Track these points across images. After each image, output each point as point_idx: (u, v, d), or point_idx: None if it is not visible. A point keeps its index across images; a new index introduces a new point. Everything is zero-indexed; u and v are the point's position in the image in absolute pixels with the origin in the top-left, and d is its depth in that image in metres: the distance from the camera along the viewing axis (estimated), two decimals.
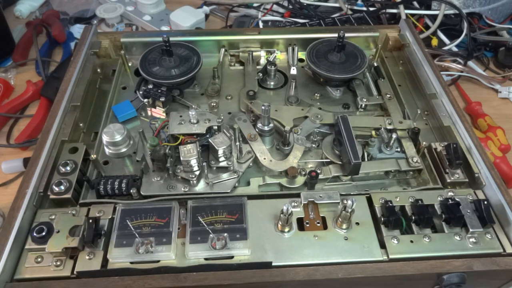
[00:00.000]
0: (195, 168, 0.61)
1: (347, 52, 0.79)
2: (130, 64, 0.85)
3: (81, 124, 0.71)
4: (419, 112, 0.72)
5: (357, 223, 0.57)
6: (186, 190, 0.61)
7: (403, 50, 0.87)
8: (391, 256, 0.54)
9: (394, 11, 1.09)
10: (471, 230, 0.55)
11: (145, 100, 0.73)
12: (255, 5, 1.16)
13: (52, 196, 0.58)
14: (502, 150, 0.81)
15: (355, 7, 1.13)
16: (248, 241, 0.54)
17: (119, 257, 0.53)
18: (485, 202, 0.57)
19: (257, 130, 0.68)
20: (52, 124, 0.67)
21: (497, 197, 0.58)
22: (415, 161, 0.64)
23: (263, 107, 0.66)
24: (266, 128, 0.68)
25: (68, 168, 0.61)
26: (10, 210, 0.56)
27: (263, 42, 0.87)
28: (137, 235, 0.54)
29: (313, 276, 0.51)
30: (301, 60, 0.87)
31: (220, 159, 0.63)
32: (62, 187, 0.58)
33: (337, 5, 1.16)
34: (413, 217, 0.57)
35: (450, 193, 0.59)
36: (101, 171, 0.64)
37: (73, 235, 0.53)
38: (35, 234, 0.53)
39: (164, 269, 0.52)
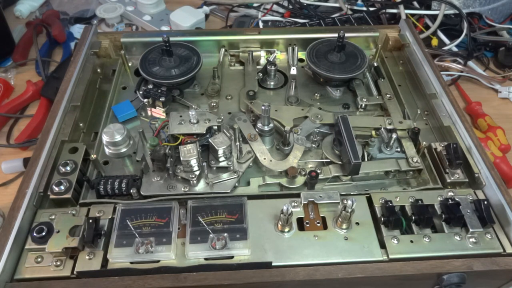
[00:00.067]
0: (195, 168, 0.61)
1: (347, 52, 0.79)
2: (130, 64, 0.85)
3: (81, 124, 0.71)
4: (419, 112, 0.72)
5: (357, 223, 0.57)
6: (186, 190, 0.61)
7: (403, 50, 0.87)
8: (391, 256, 0.54)
9: (394, 11, 1.09)
10: (471, 230, 0.55)
11: (145, 100, 0.73)
12: (255, 5, 1.16)
13: (52, 196, 0.58)
14: (502, 150, 0.81)
15: (355, 7, 1.13)
16: (248, 241, 0.54)
17: (119, 257, 0.53)
18: (485, 202, 0.57)
19: (257, 130, 0.68)
20: (52, 124, 0.67)
21: (497, 197, 0.58)
22: (415, 161, 0.64)
23: (263, 107, 0.66)
24: (266, 128, 0.68)
25: (68, 168, 0.61)
26: (10, 210, 0.56)
27: (263, 42, 0.87)
28: (137, 235, 0.54)
29: (313, 276, 0.51)
30: (301, 60, 0.87)
31: (220, 159, 0.63)
32: (62, 187, 0.58)
33: (337, 5, 1.16)
34: (413, 217, 0.57)
35: (450, 193, 0.59)
36: (101, 171, 0.64)
37: (73, 235, 0.53)
38: (35, 234, 0.53)
39: (164, 269, 0.52)
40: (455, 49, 1.02)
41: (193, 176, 0.60)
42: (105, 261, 0.53)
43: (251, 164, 0.65)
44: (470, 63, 1.00)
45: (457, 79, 0.98)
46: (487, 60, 1.03)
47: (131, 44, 0.86)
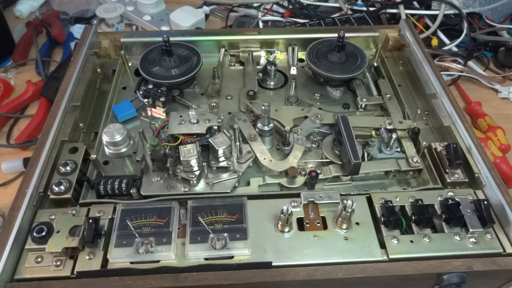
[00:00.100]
0: (195, 168, 0.61)
1: (347, 52, 0.79)
2: (130, 64, 0.85)
3: (81, 124, 0.71)
4: (419, 112, 0.72)
5: (357, 223, 0.57)
6: (186, 190, 0.61)
7: (403, 50, 0.87)
8: (391, 256, 0.54)
9: (394, 11, 1.09)
10: (471, 230, 0.55)
11: (145, 100, 0.73)
12: (255, 5, 1.16)
13: (52, 196, 0.58)
14: (502, 150, 0.81)
15: (355, 7, 1.13)
16: (248, 241, 0.54)
17: (119, 257, 0.53)
18: (485, 202, 0.57)
19: (257, 130, 0.68)
20: (52, 124, 0.67)
21: (497, 197, 0.58)
22: (415, 161, 0.64)
23: (263, 107, 0.66)
24: (266, 128, 0.68)
25: (68, 168, 0.61)
26: (10, 210, 0.55)
27: (263, 42, 0.87)
28: (137, 235, 0.54)
29: (313, 276, 0.51)
30: (301, 60, 0.87)
31: (220, 159, 0.63)
32: (62, 187, 0.58)
33: (337, 5, 1.16)
34: (413, 217, 0.57)
35: (450, 193, 0.59)
36: (101, 171, 0.64)
37: (73, 235, 0.53)
38: (35, 234, 0.53)
39: (164, 269, 0.52)
40: (455, 49, 1.02)
41: (193, 176, 0.60)
42: (105, 261, 0.53)
43: (251, 164, 0.65)
44: (470, 63, 1.00)
45: (457, 79, 0.98)
46: (487, 60, 1.03)
47: (131, 44, 0.86)
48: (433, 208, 0.58)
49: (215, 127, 0.66)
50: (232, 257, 0.54)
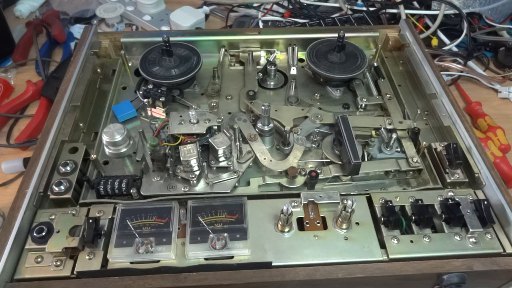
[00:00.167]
0: (195, 168, 0.61)
1: (347, 52, 0.79)
2: (130, 64, 0.85)
3: (81, 124, 0.71)
4: (419, 112, 0.72)
5: (357, 223, 0.57)
6: (186, 190, 0.61)
7: (403, 50, 0.87)
8: (391, 256, 0.54)
9: (394, 11, 1.09)
10: (471, 230, 0.55)
11: (145, 100, 0.73)
12: (255, 5, 1.16)
13: (52, 196, 0.58)
14: (502, 150, 0.81)
15: (355, 7, 1.13)
16: (248, 241, 0.54)
17: (119, 257, 0.53)
18: (485, 202, 0.57)
19: (257, 130, 0.68)
20: (52, 124, 0.67)
21: (497, 197, 0.58)
22: (415, 161, 0.64)
23: (263, 107, 0.66)
24: (266, 128, 0.68)
25: (68, 168, 0.61)
26: (10, 210, 0.55)
27: (263, 42, 0.87)
28: (137, 235, 0.54)
29: (313, 276, 0.51)
30: (301, 60, 0.87)
31: (220, 159, 0.63)
32: (62, 187, 0.58)
33: (337, 5, 1.16)
34: (413, 217, 0.57)
35: (450, 193, 0.59)
36: (101, 171, 0.64)
37: (73, 235, 0.53)
38: (35, 234, 0.53)
39: (164, 269, 0.52)
40: (455, 49, 1.02)
41: (193, 176, 0.60)
42: (105, 261, 0.53)
43: (251, 164, 0.65)
44: (470, 63, 1.00)
45: (457, 79, 0.98)
46: (487, 60, 1.03)
47: (131, 44, 0.86)
48: (433, 208, 0.58)
49: (215, 127, 0.66)
50: (232, 257, 0.54)
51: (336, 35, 0.78)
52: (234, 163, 0.64)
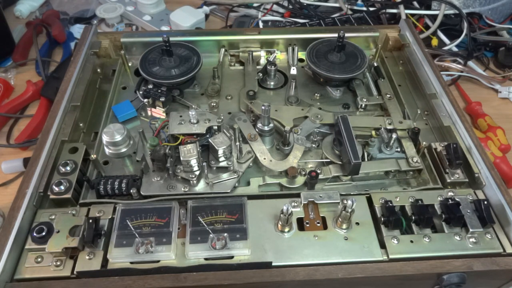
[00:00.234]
0: (195, 168, 0.61)
1: (347, 52, 0.79)
2: (130, 64, 0.85)
3: (81, 124, 0.71)
4: (419, 112, 0.72)
5: (357, 223, 0.57)
6: (186, 190, 0.61)
7: (403, 50, 0.87)
8: (391, 256, 0.54)
9: (394, 11, 1.09)
10: (471, 230, 0.55)
11: (145, 100, 0.73)
12: (255, 5, 1.16)
13: (52, 196, 0.58)
14: (502, 150, 0.81)
15: (355, 7, 1.13)
16: (248, 241, 0.54)
17: (119, 257, 0.53)
18: (485, 202, 0.57)
19: (257, 130, 0.68)
20: (52, 124, 0.67)
21: (497, 197, 0.58)
22: (415, 161, 0.64)
23: (263, 107, 0.66)
24: (266, 128, 0.68)
25: (68, 168, 0.61)
26: (10, 210, 0.55)
27: (263, 42, 0.87)
28: (137, 235, 0.54)
29: (313, 276, 0.51)
30: (301, 60, 0.87)
31: (220, 159, 0.63)
32: (62, 187, 0.58)
33: (337, 5, 1.16)
34: (413, 217, 0.57)
35: (450, 193, 0.59)
36: (101, 171, 0.64)
37: (73, 235, 0.53)
38: (35, 234, 0.53)
39: (164, 269, 0.52)
40: (455, 49, 1.02)
41: (193, 176, 0.60)
42: (105, 261, 0.53)
43: (251, 164, 0.65)
44: (470, 63, 1.00)
45: (457, 79, 0.98)
46: (487, 60, 1.03)
47: (131, 44, 0.86)
48: (433, 208, 0.58)
49: (215, 127, 0.66)
50: (232, 257, 0.54)
51: (336, 35, 0.78)
52: (234, 163, 0.64)
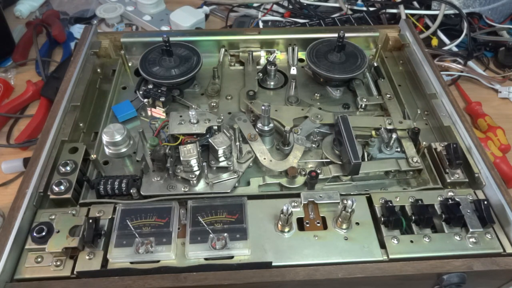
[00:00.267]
0: (195, 168, 0.61)
1: (347, 52, 0.79)
2: (130, 64, 0.85)
3: (81, 124, 0.71)
4: (419, 112, 0.72)
5: (357, 223, 0.57)
6: (186, 190, 0.61)
7: (403, 50, 0.87)
8: (391, 256, 0.54)
9: (394, 11, 1.09)
10: (471, 230, 0.55)
11: (145, 100, 0.73)
12: (255, 5, 1.16)
13: (52, 196, 0.58)
14: (502, 150, 0.81)
15: (355, 7, 1.13)
16: (248, 241, 0.54)
17: (119, 257, 0.53)
18: (485, 202, 0.57)
19: (257, 130, 0.68)
20: (52, 124, 0.67)
21: (497, 197, 0.58)
22: (415, 161, 0.64)
23: (263, 107, 0.66)
24: (266, 128, 0.68)
25: (68, 168, 0.61)
26: (10, 210, 0.55)
27: (263, 42, 0.87)
28: (137, 235, 0.54)
29: (313, 276, 0.51)
30: (301, 60, 0.87)
31: (220, 159, 0.63)
32: (62, 187, 0.58)
33: (337, 5, 1.16)
34: (413, 217, 0.57)
35: (450, 193, 0.59)
36: (101, 171, 0.64)
37: (73, 235, 0.53)
38: (35, 234, 0.53)
39: (164, 269, 0.52)
40: (455, 49, 1.02)
41: (193, 176, 0.60)
42: (105, 261, 0.53)
43: (251, 164, 0.65)
44: (470, 63, 1.00)
45: (457, 79, 0.98)
46: (487, 60, 1.03)
47: (131, 44, 0.86)
48: (433, 208, 0.58)
49: (215, 127, 0.66)
50: (232, 257, 0.54)
51: (336, 35, 0.78)
52: (234, 163, 0.64)
